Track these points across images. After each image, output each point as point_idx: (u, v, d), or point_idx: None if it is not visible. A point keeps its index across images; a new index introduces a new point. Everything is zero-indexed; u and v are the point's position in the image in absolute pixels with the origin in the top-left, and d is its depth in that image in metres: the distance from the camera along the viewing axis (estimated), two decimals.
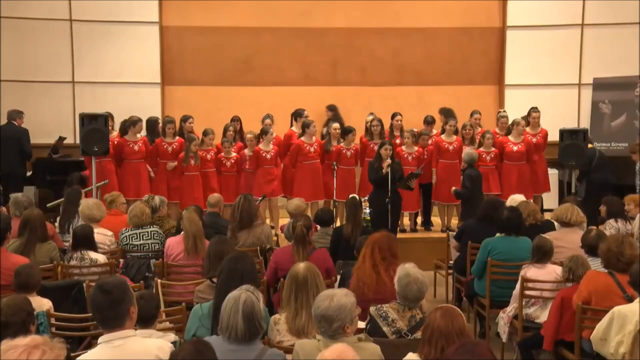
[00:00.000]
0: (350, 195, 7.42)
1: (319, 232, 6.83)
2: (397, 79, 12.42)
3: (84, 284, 5.29)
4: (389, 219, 8.17)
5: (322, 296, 3.53)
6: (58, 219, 7.58)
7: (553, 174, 10.39)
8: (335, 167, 9.17)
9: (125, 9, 11.77)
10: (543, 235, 5.85)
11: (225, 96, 12.03)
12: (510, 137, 9.67)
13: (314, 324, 3.62)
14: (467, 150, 9.12)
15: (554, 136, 9.74)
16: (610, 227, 7.01)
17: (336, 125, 9.76)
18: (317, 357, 2.97)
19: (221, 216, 7.56)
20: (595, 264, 5.22)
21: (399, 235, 8.60)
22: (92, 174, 8.82)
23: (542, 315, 5.40)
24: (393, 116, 10.00)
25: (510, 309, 5.66)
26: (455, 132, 9.74)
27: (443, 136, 9.76)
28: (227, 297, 3.44)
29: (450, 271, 7.45)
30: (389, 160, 8.30)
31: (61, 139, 10.98)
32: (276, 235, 8.32)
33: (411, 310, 4.10)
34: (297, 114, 10.14)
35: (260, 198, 8.38)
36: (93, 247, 5.95)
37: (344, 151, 9.55)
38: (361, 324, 4.05)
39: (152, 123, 9.80)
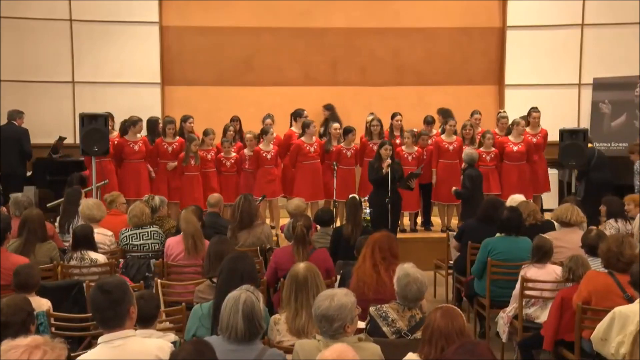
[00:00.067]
0: (350, 195, 7.42)
1: (319, 232, 6.83)
2: (397, 79, 12.42)
3: (84, 284, 5.29)
4: (389, 219, 8.17)
5: (323, 296, 3.53)
6: (58, 219, 7.58)
7: (553, 174, 10.39)
8: (335, 167, 9.17)
9: (125, 9, 11.77)
10: (543, 235, 5.86)
11: (225, 96, 12.03)
12: (510, 137, 9.67)
13: (314, 324, 3.62)
14: (468, 151, 9.12)
15: (554, 136, 9.74)
16: (610, 227, 7.01)
17: (337, 125, 9.77)
18: (317, 357, 2.96)
19: (221, 216, 7.56)
20: (595, 264, 5.22)
21: (399, 235, 8.60)
22: (92, 174, 8.82)
23: (542, 315, 5.40)
24: (393, 116, 10.00)
25: (510, 309, 5.66)
26: (454, 132, 9.74)
27: (443, 136, 9.76)
28: (227, 297, 3.44)
29: (450, 271, 7.45)
30: (389, 161, 8.30)
31: (61, 139, 10.98)
32: (276, 235, 8.32)
33: (411, 310, 4.10)
34: (296, 114, 10.14)
35: (260, 198, 8.38)
36: (93, 247, 5.95)
37: (344, 151, 9.55)
38: (361, 324, 4.05)
39: (152, 123, 9.81)
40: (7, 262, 5.33)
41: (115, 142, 9.30)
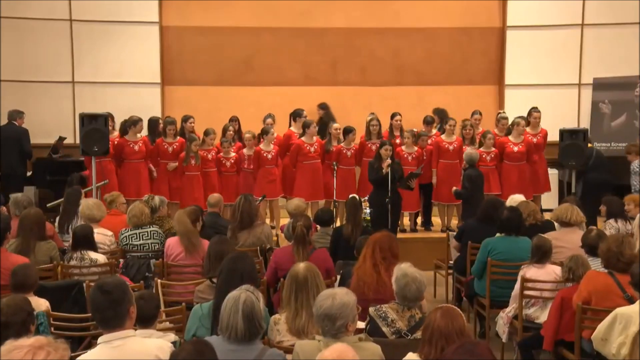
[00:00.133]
0: (350, 195, 7.41)
1: (319, 232, 6.83)
2: (397, 79, 12.42)
3: (84, 284, 5.29)
4: (389, 219, 8.17)
5: (324, 295, 3.53)
6: (58, 219, 7.58)
7: (553, 174, 10.39)
8: (335, 167, 9.17)
9: (125, 9, 11.78)
10: (542, 235, 5.85)
11: (225, 96, 12.03)
12: (510, 137, 9.67)
13: (315, 324, 3.62)
14: (468, 151, 9.13)
15: (554, 136, 9.73)
16: (610, 227, 7.01)
17: (337, 125, 9.78)
18: (317, 357, 2.96)
19: (221, 216, 7.56)
20: (595, 264, 5.22)
21: (399, 235, 8.60)
22: (92, 174, 8.82)
23: (542, 315, 5.40)
24: (393, 116, 10.01)
25: (510, 309, 5.66)
26: (453, 133, 9.74)
27: (443, 136, 9.76)
28: (227, 297, 3.43)
29: (450, 271, 7.45)
30: (389, 161, 8.30)
31: (61, 139, 10.98)
32: (276, 235, 8.32)
33: (410, 310, 4.09)
34: (296, 114, 10.14)
35: (260, 198, 8.38)
36: (93, 247, 5.95)
37: (344, 151, 9.55)
38: (361, 324, 4.05)
39: (153, 123, 9.81)
40: (7, 262, 5.32)
41: (116, 142, 9.30)
